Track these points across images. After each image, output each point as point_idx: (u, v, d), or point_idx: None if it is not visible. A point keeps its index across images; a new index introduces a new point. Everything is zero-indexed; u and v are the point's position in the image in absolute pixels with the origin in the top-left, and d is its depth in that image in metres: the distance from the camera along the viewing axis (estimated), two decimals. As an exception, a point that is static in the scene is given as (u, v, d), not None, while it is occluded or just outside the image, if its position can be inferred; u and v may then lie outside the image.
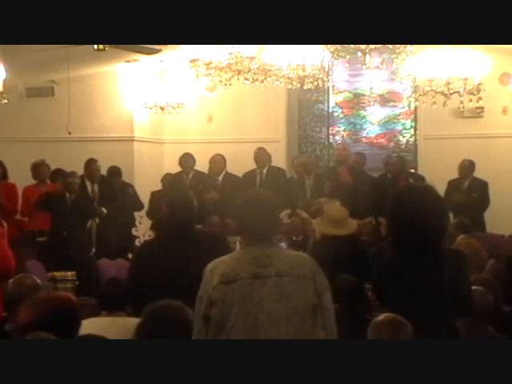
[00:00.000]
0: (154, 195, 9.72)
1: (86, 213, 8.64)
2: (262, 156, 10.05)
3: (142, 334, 3.38)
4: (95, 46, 7.88)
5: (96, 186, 9.32)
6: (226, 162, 10.05)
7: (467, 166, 9.71)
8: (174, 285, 4.56)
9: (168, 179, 9.98)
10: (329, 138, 11.89)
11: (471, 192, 9.39)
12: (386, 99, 11.63)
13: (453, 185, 9.49)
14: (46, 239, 8.71)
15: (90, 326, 4.02)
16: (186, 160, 10.03)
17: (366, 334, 3.65)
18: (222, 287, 3.42)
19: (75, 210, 8.61)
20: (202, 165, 10.12)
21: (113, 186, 9.52)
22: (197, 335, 3.44)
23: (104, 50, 7.95)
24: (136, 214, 9.78)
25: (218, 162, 10.01)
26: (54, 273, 7.10)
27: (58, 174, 9.70)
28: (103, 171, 9.71)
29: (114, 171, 9.76)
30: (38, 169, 9.32)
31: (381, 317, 3.65)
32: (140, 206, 9.70)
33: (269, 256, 3.47)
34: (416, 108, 11.18)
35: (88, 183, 9.39)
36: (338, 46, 7.44)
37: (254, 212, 3.55)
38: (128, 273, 5.41)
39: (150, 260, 4.90)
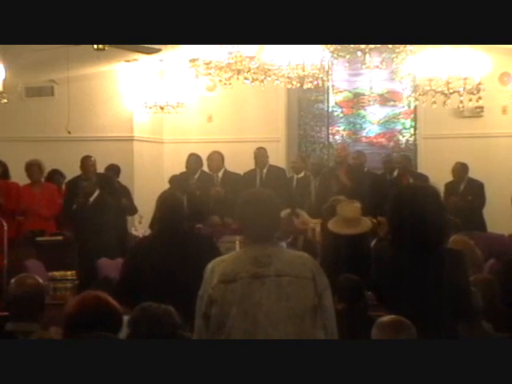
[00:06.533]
0: None
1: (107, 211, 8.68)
2: (262, 156, 10.04)
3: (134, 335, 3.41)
4: (95, 46, 7.88)
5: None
6: (223, 158, 9.99)
7: (460, 169, 9.73)
8: (163, 284, 4.63)
9: (175, 180, 9.95)
10: (328, 138, 11.90)
11: (467, 194, 9.40)
12: (385, 99, 11.63)
13: (449, 188, 9.49)
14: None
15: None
16: (193, 161, 9.99)
17: (368, 333, 3.65)
18: (222, 286, 3.43)
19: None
20: (201, 165, 10.13)
21: (114, 185, 9.54)
22: (197, 334, 3.46)
23: (104, 49, 7.95)
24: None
25: (215, 159, 9.96)
26: (54, 272, 7.11)
27: (57, 174, 9.73)
28: (102, 170, 9.72)
29: (114, 169, 9.79)
30: (28, 168, 9.31)
31: (385, 318, 3.64)
32: (134, 210, 9.73)
33: (269, 256, 3.47)
34: (416, 107, 11.18)
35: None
36: (338, 46, 7.44)
37: (254, 212, 3.54)
38: (121, 268, 5.47)
39: (141, 257, 4.98)
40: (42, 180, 9.42)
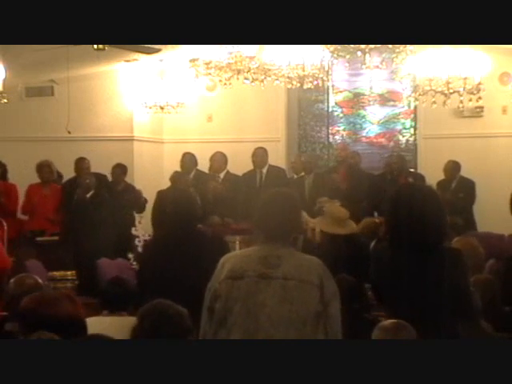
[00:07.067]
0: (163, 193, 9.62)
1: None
2: (259, 156, 9.97)
3: (137, 334, 3.39)
4: (95, 46, 7.88)
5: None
6: (227, 159, 9.92)
7: (452, 167, 9.80)
8: (176, 284, 4.60)
9: (172, 178, 9.92)
10: (328, 138, 11.90)
11: (458, 192, 9.45)
12: (385, 99, 11.63)
13: (441, 186, 9.52)
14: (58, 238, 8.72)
15: (91, 325, 4.02)
16: (188, 160, 9.97)
17: (366, 333, 3.65)
18: (229, 282, 3.45)
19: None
20: (201, 164, 10.09)
21: (113, 186, 9.54)
22: (203, 326, 3.51)
23: (104, 49, 7.95)
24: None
25: (218, 160, 9.90)
26: (54, 272, 7.12)
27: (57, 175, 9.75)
28: (102, 170, 9.72)
29: (121, 168, 9.80)
30: (39, 169, 9.35)
31: (386, 322, 3.63)
32: (142, 208, 9.70)
33: (279, 257, 3.47)
34: (416, 107, 11.19)
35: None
36: (338, 46, 7.43)
37: (268, 211, 3.55)
38: (138, 271, 5.46)
39: (155, 258, 4.93)
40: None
